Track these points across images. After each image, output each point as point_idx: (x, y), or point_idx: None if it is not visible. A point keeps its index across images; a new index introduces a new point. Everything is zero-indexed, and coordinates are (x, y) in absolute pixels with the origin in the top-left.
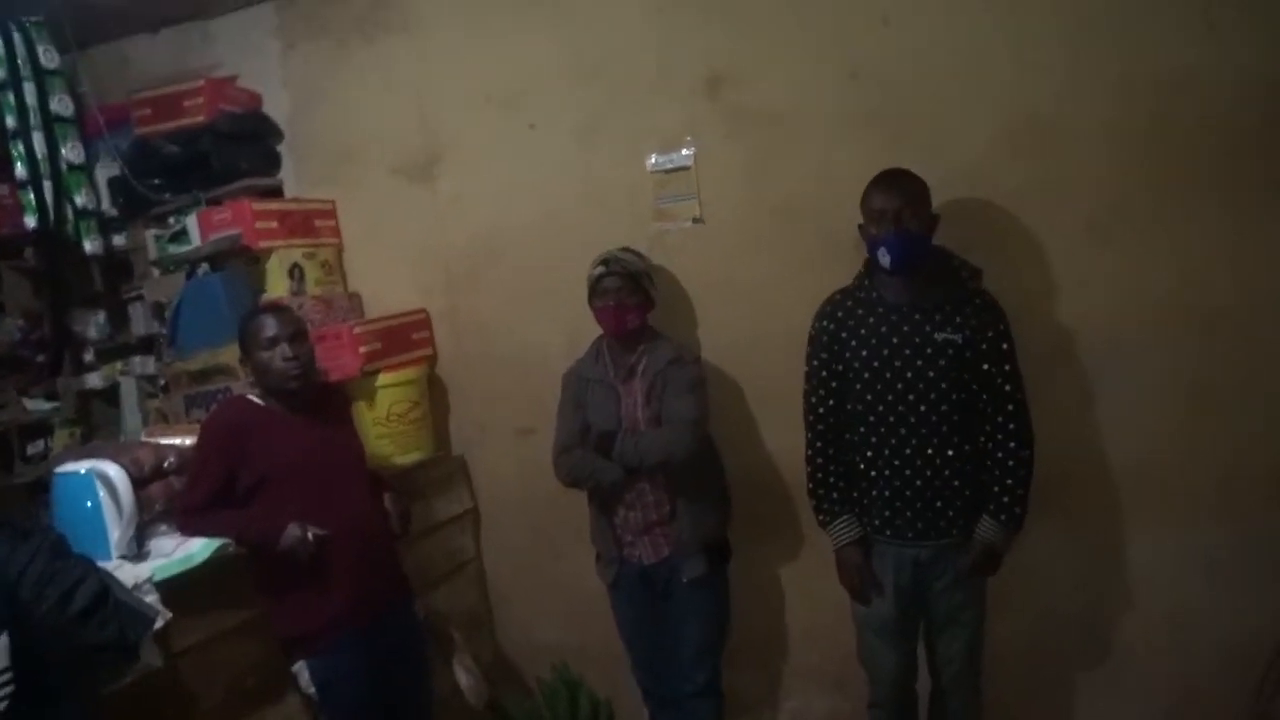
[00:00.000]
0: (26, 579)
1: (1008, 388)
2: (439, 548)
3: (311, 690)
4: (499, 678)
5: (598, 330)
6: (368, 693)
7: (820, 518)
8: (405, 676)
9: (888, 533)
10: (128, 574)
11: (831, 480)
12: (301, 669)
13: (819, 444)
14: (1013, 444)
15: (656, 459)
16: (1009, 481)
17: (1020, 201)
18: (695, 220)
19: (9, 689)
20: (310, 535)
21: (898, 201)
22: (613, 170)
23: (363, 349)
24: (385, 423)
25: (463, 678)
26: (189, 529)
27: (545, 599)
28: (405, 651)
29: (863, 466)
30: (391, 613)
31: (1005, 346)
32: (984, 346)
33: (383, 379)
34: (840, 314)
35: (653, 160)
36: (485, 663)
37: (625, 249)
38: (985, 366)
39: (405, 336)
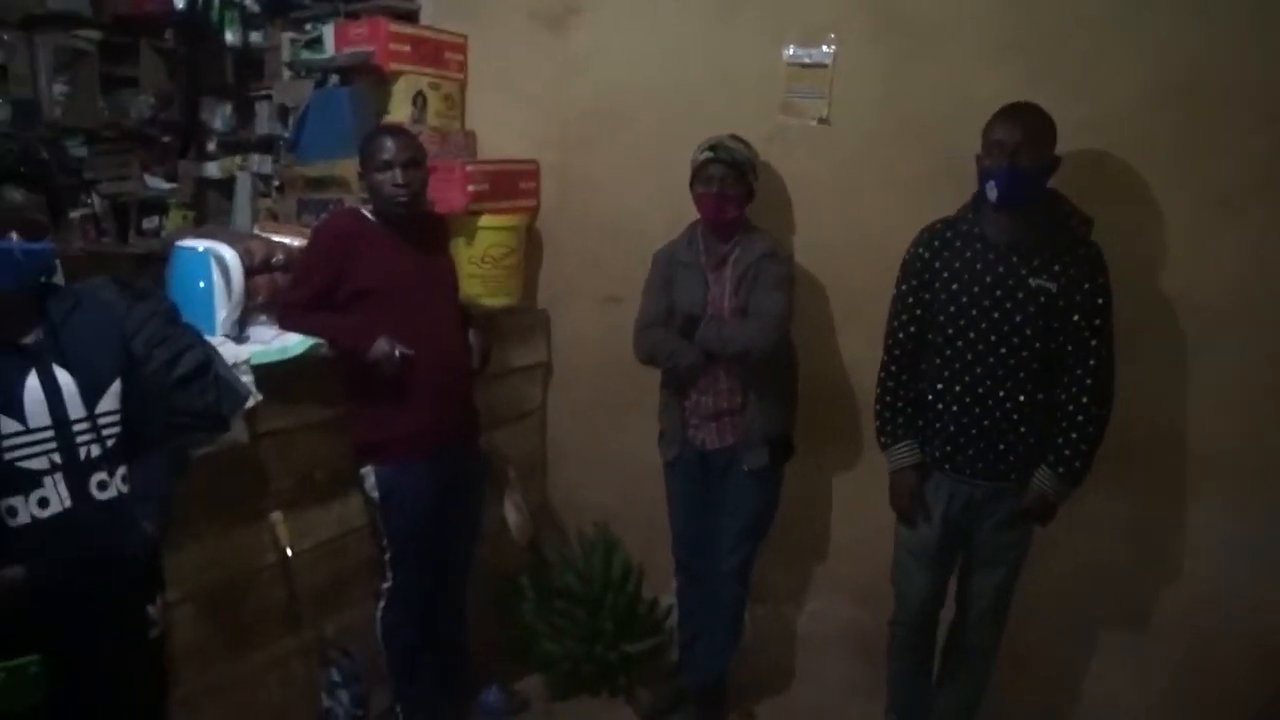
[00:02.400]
0: (140, 336)
1: (1094, 343)
2: (509, 392)
3: (375, 494)
4: (542, 523)
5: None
6: (425, 509)
7: (881, 439)
8: (462, 503)
9: (946, 466)
10: (229, 352)
11: (899, 405)
12: (369, 473)
13: (893, 368)
14: (1086, 399)
15: (737, 349)
16: (1074, 436)
17: (1157, 161)
18: (820, 120)
19: (116, 429)
20: (397, 352)
21: (1016, 135)
22: (748, 55)
23: (471, 187)
24: (479, 263)
25: (511, 514)
26: (288, 324)
27: (599, 461)
28: (467, 480)
29: (931, 397)
30: (460, 441)
31: (1100, 301)
32: (1078, 298)
33: (485, 220)
34: (937, 243)
35: (790, 51)
36: (533, 506)
37: (734, 136)
38: (1075, 318)
39: (513, 184)
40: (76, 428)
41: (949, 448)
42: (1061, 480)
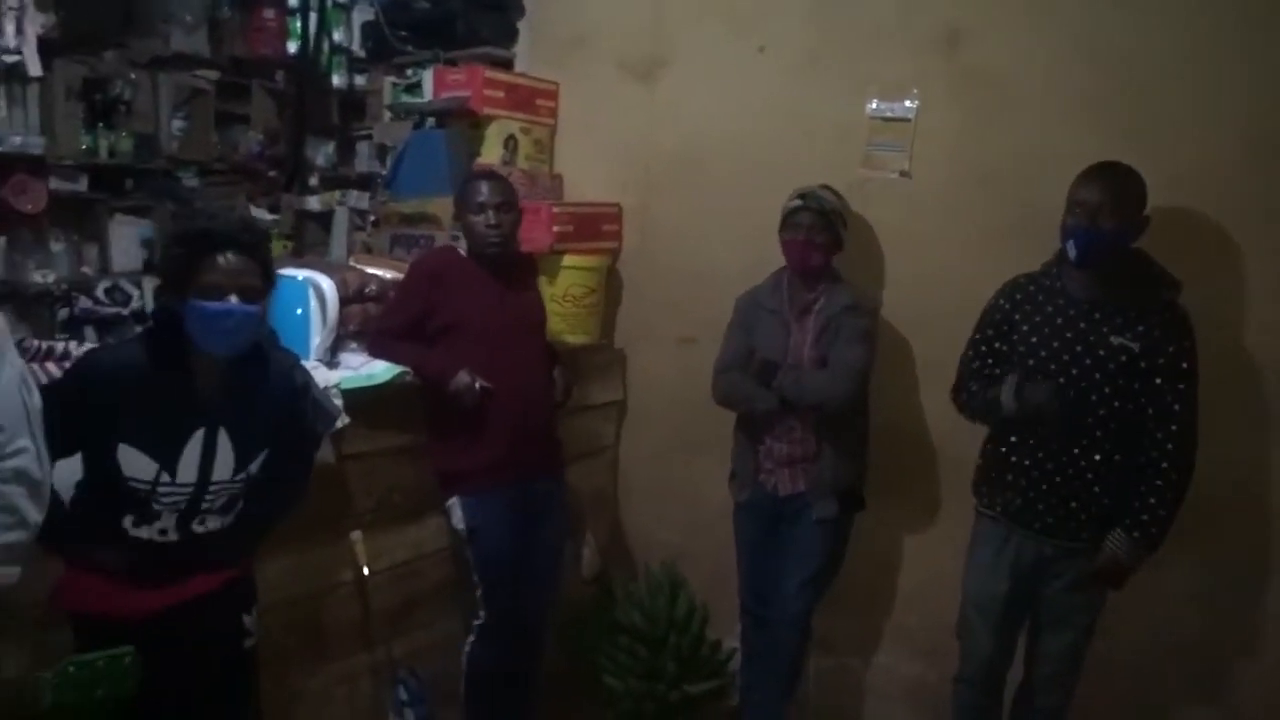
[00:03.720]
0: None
1: (1176, 407)
2: (583, 428)
3: (461, 527)
4: (611, 560)
5: (778, 258)
6: (512, 541)
7: (985, 394)
8: (545, 534)
9: (1016, 521)
10: (321, 376)
11: (974, 387)
12: (455, 505)
13: (958, 388)
14: (1166, 464)
15: (814, 399)
16: (1152, 500)
17: (1241, 221)
18: (902, 174)
19: (240, 489)
20: (478, 385)
21: (1098, 197)
22: (830, 108)
23: (556, 228)
24: (561, 301)
25: (580, 548)
26: (376, 351)
27: (669, 501)
28: (549, 511)
29: (1004, 450)
30: (542, 474)
31: (1185, 365)
32: (1160, 360)
33: (568, 260)
34: (1019, 296)
35: (874, 105)
36: (601, 542)
37: (825, 187)
38: (1157, 380)
39: (596, 225)
40: (213, 487)
41: (1019, 501)
42: (1136, 545)
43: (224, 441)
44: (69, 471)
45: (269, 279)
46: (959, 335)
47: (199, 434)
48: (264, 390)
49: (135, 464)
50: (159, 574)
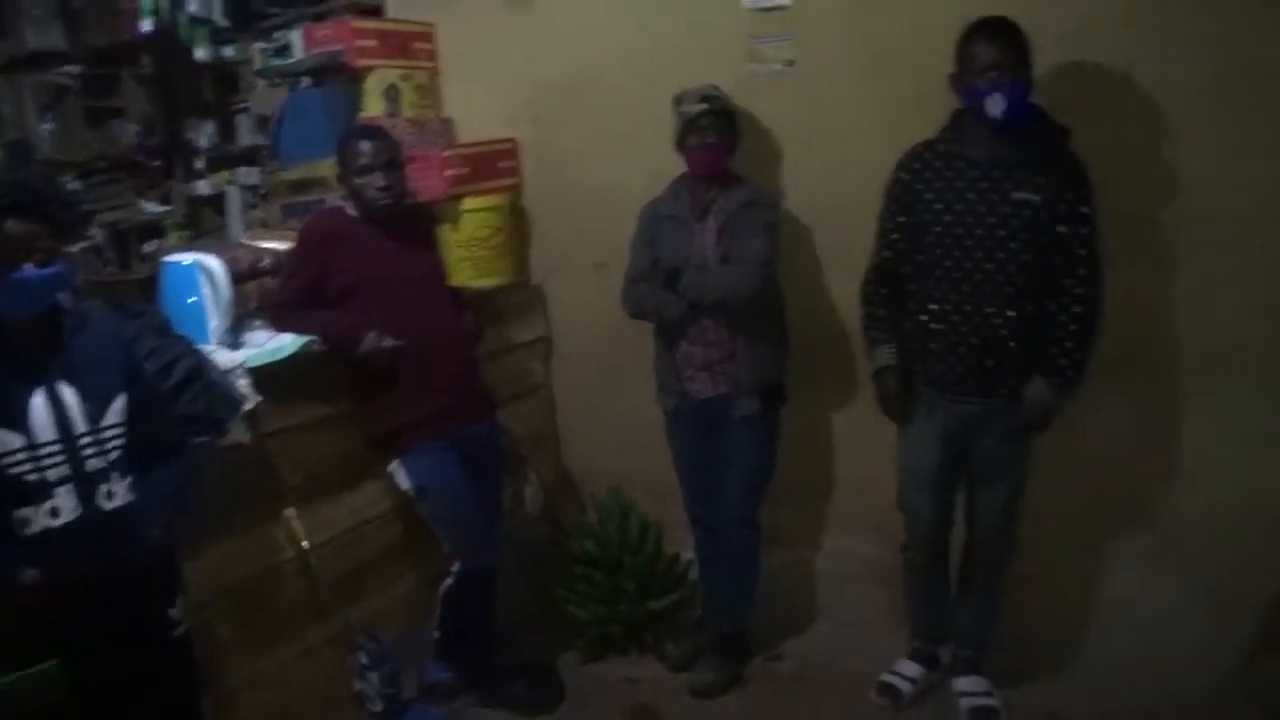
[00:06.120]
0: (134, 350)
1: (1081, 251)
2: (511, 370)
3: (408, 486)
4: (562, 495)
5: (677, 169)
6: (462, 489)
7: (871, 334)
8: (485, 480)
9: (938, 388)
10: (223, 359)
11: (881, 314)
12: (396, 468)
13: (875, 280)
14: (1077, 308)
15: (719, 296)
16: (1068, 344)
17: (1129, 65)
18: (787, 63)
19: (120, 442)
20: (385, 344)
21: (1010, 52)
22: (710, 8)
23: (449, 173)
24: (467, 246)
25: (524, 487)
26: (280, 324)
27: (606, 427)
28: (486, 458)
29: (923, 318)
30: (475, 422)
31: (1084, 210)
32: (1062, 208)
33: (468, 204)
34: (918, 165)
35: None
36: (548, 479)
37: (713, 86)
38: (1060, 229)
39: (492, 164)
40: (82, 441)
41: (939, 368)
42: (1057, 389)
43: (68, 392)
44: None
45: (63, 234)
46: (864, 216)
47: (39, 392)
48: (86, 337)
49: None
50: (69, 567)
